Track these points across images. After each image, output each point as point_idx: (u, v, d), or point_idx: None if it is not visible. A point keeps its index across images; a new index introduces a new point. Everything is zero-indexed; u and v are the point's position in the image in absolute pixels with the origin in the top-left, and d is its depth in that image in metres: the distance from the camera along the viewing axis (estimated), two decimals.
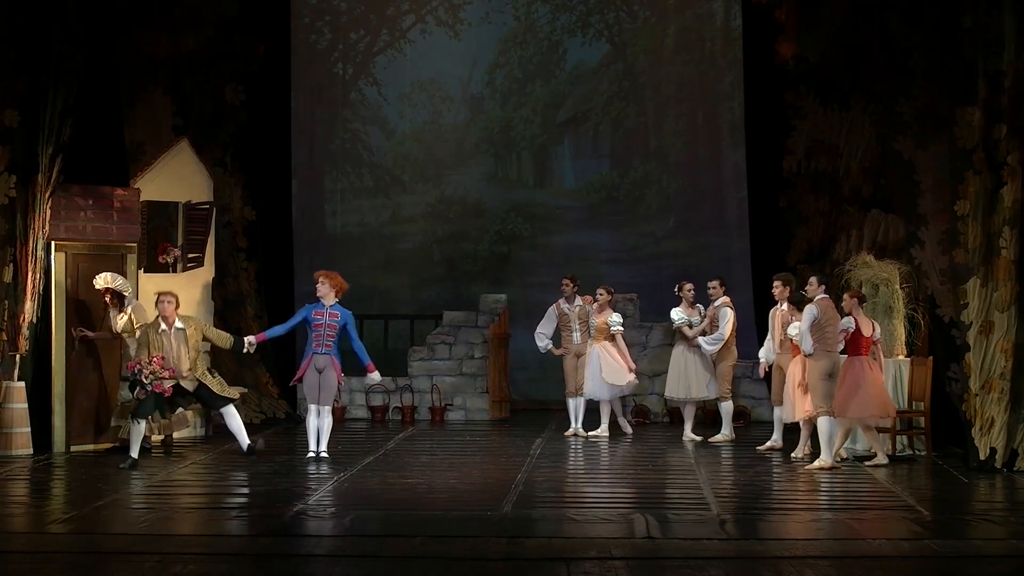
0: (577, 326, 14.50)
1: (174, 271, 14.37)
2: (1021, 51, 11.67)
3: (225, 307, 15.52)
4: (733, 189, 18.07)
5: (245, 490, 11.21)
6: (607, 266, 18.08)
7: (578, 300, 14.54)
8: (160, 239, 14.24)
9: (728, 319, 13.86)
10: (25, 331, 12.88)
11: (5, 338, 12.79)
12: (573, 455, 13.24)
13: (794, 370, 12.61)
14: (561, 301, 14.62)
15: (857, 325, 12.14)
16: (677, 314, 14.08)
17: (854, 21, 14.67)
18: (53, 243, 13.15)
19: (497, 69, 18.85)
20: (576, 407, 14.49)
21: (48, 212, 13.08)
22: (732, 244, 17.93)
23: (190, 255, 14.55)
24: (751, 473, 12.00)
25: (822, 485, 11.52)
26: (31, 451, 12.84)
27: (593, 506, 10.27)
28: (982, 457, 11.70)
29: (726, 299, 14.03)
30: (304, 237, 18.06)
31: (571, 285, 14.55)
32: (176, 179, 14.49)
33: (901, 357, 13.04)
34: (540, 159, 18.92)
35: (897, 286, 13.07)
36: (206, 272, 14.86)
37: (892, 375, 12.93)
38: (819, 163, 15.48)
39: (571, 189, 18.84)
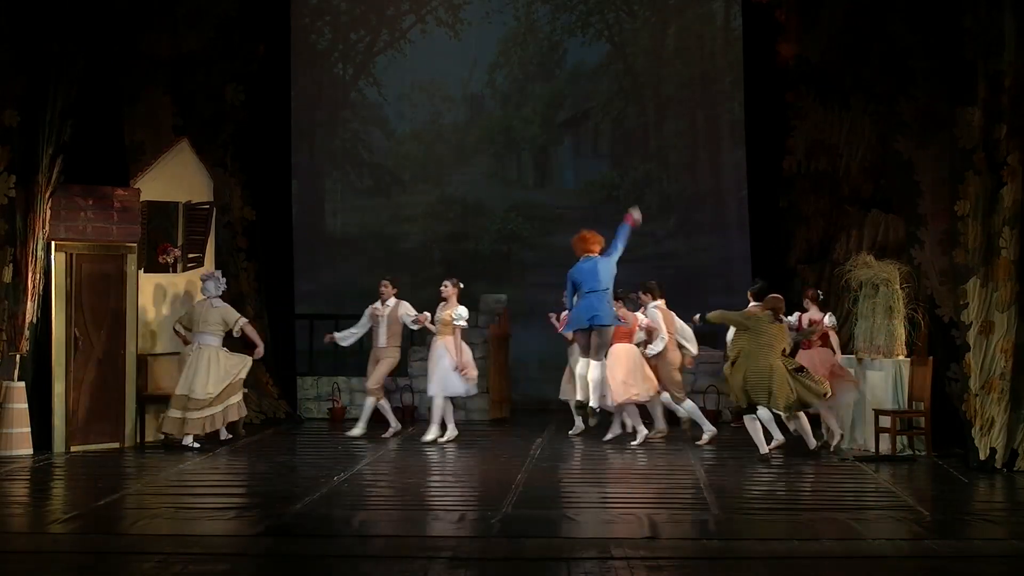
0: (384, 328, 14.31)
1: (174, 271, 14.37)
2: (1021, 51, 11.67)
3: None
4: (733, 189, 18.07)
5: (245, 490, 11.22)
6: None
7: (391, 302, 14.37)
8: (160, 239, 14.24)
9: (658, 320, 13.88)
10: (25, 331, 12.88)
11: (5, 338, 12.80)
12: (573, 455, 13.23)
13: (621, 356, 13.39)
14: (378, 303, 14.44)
15: (801, 321, 13.44)
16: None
17: (854, 21, 14.67)
18: (53, 243, 13.15)
19: (497, 69, 18.86)
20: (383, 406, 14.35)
21: (48, 212, 13.08)
22: (732, 244, 17.93)
23: (190, 255, 14.55)
24: (751, 473, 12.01)
25: (822, 485, 11.54)
26: (31, 451, 12.85)
27: (593, 506, 10.28)
28: (982, 457, 11.71)
29: (660, 302, 14.05)
30: (304, 237, 18.04)
31: (389, 287, 14.40)
32: (176, 179, 14.48)
33: (901, 357, 13.04)
34: (540, 159, 18.92)
35: (897, 286, 13.07)
36: (206, 272, 14.84)
37: (892, 375, 12.94)
38: (819, 163, 15.48)
39: (571, 189, 18.84)
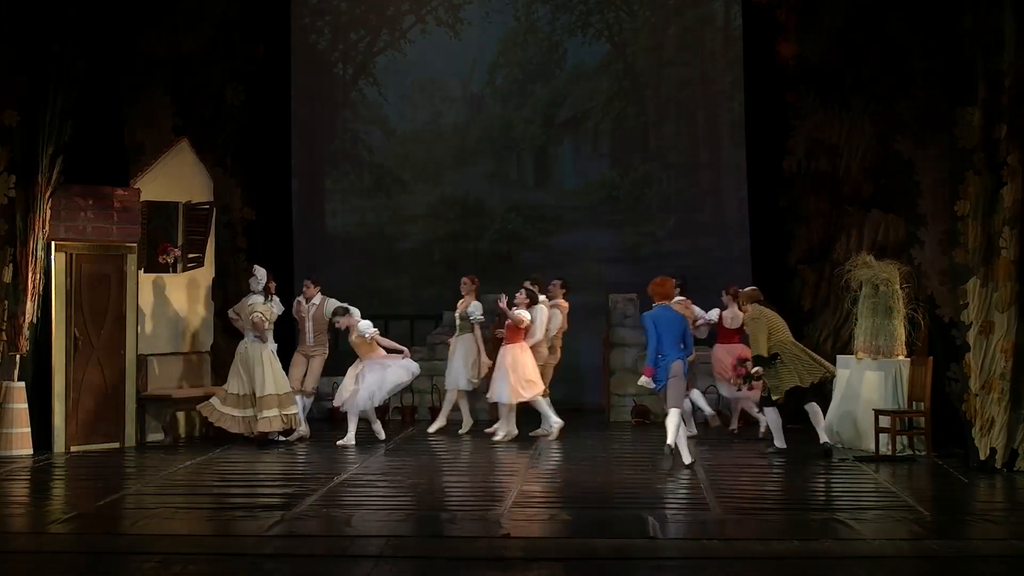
0: (311, 326, 14.39)
1: (174, 271, 14.37)
2: (1021, 51, 11.67)
3: (225, 307, 15.50)
4: (733, 189, 18.06)
5: (245, 490, 11.22)
6: (607, 266, 18.07)
7: (316, 300, 14.39)
8: (160, 239, 14.24)
9: (539, 318, 14.34)
10: (25, 331, 12.88)
11: (5, 338, 12.80)
12: (573, 455, 13.23)
13: (512, 357, 13.94)
14: (301, 299, 14.53)
15: (721, 317, 14.45)
16: (477, 308, 14.75)
17: (854, 21, 14.67)
18: (53, 243, 13.16)
19: (497, 69, 18.85)
20: (303, 405, 14.45)
21: (48, 212, 13.08)
22: (732, 244, 17.92)
23: (190, 255, 14.55)
24: (751, 473, 12.02)
25: (822, 485, 11.54)
26: (31, 451, 12.85)
27: (593, 506, 10.28)
28: (982, 457, 11.71)
29: (561, 301, 14.76)
30: (304, 237, 18.05)
31: (312, 287, 14.45)
32: (176, 179, 14.49)
33: (901, 357, 13.04)
34: (540, 159, 18.91)
35: (897, 286, 13.08)
36: (206, 272, 14.86)
37: (892, 375, 12.94)
38: (819, 163, 15.47)
39: (571, 189, 18.83)
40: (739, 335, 14.48)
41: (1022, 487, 11.12)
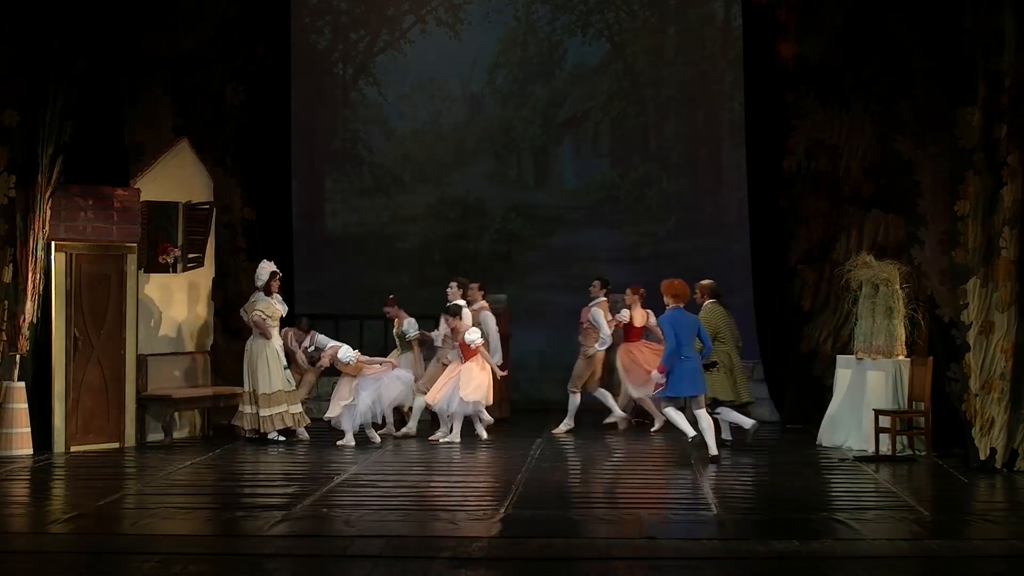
0: (304, 358, 14.70)
1: (174, 271, 14.37)
2: (1021, 51, 11.67)
3: (225, 307, 15.52)
4: (733, 189, 18.05)
5: (245, 490, 11.22)
6: (607, 266, 18.04)
7: (307, 342, 14.59)
8: (160, 239, 14.24)
9: (488, 323, 14.57)
10: (25, 331, 12.88)
11: (5, 338, 12.80)
12: (573, 455, 13.24)
13: (469, 368, 13.93)
14: (292, 337, 14.77)
15: (631, 317, 14.57)
16: (412, 325, 14.87)
17: (854, 21, 14.68)
18: (53, 243, 13.16)
19: (497, 69, 18.85)
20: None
21: (48, 212, 13.08)
22: (732, 244, 17.91)
23: (190, 255, 14.55)
24: (751, 473, 12.02)
25: (822, 485, 11.54)
26: (31, 451, 12.85)
27: (593, 506, 10.28)
28: (982, 457, 11.71)
29: (484, 303, 14.84)
30: (304, 237, 18.05)
31: (305, 335, 14.74)
32: (176, 179, 14.49)
33: (901, 357, 13.05)
34: (540, 159, 18.91)
35: (897, 286, 13.08)
36: (206, 272, 14.86)
37: (892, 375, 12.95)
38: (819, 163, 15.46)
39: (571, 189, 18.83)
40: (641, 333, 14.76)
41: (1022, 487, 11.13)
